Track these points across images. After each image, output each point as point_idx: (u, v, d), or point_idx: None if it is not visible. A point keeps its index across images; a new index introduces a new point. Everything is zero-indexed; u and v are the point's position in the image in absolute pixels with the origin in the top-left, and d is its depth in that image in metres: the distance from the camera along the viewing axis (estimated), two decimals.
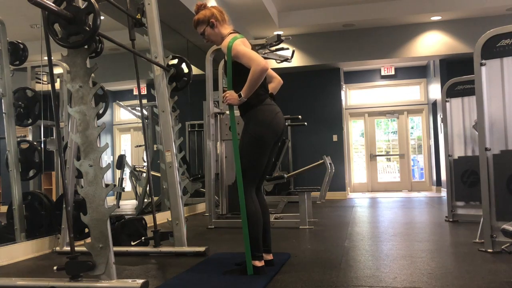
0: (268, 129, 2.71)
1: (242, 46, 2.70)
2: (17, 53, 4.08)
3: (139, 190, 6.47)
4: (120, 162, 6.43)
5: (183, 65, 3.75)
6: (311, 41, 9.23)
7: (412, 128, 11.09)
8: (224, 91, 5.59)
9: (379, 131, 11.25)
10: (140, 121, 5.51)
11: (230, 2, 7.51)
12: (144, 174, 6.45)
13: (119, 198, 6.48)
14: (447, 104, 4.99)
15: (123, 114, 7.19)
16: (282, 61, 5.75)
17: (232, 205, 5.44)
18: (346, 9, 8.61)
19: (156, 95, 3.55)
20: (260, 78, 2.61)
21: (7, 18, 3.99)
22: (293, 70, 9.38)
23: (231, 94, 2.71)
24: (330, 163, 8.45)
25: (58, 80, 4.57)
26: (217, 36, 2.87)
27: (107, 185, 2.45)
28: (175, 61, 3.74)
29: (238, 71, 2.71)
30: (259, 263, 2.64)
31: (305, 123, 8.00)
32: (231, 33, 2.84)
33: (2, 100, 3.89)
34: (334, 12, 8.64)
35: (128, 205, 6.87)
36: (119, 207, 6.26)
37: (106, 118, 5.77)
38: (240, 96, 2.66)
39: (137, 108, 6.17)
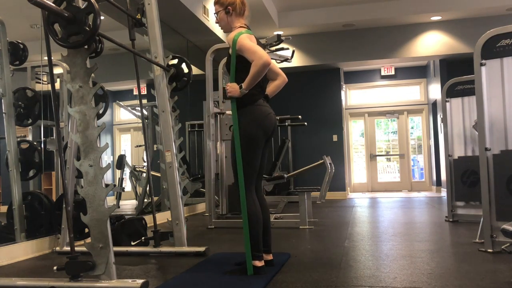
0: (258, 129, 2.73)
1: (247, 40, 2.70)
2: (17, 53, 4.08)
3: (139, 190, 6.47)
4: (120, 162, 6.43)
5: (183, 65, 3.75)
6: (311, 41, 9.23)
7: (412, 128, 11.09)
8: (224, 90, 5.60)
9: (379, 131, 11.25)
10: (140, 121, 5.51)
11: None
12: (144, 174, 6.45)
13: (119, 198, 6.47)
14: (447, 104, 4.99)
15: (123, 114, 7.19)
16: (282, 61, 5.74)
17: (232, 205, 5.44)
18: (346, 9, 8.61)
19: (156, 95, 3.55)
20: (262, 71, 2.63)
21: (7, 18, 3.99)
22: (293, 70, 9.37)
23: (232, 86, 2.73)
24: (330, 163, 8.45)
25: (58, 80, 4.57)
26: (228, 24, 2.88)
27: (107, 185, 2.45)
28: (175, 61, 3.74)
29: (241, 66, 2.72)
30: (259, 263, 2.64)
31: (305, 123, 8.01)
32: (241, 27, 2.84)
33: (2, 100, 3.89)
34: (334, 12, 8.64)
35: (128, 205, 6.86)
36: (119, 207, 6.26)
37: (106, 118, 5.77)
38: (241, 87, 2.67)
39: (137, 108, 6.17)
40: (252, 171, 2.74)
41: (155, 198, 5.76)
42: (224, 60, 5.80)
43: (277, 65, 3.10)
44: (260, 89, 2.81)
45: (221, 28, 2.96)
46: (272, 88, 2.96)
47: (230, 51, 2.77)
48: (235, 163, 2.73)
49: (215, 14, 2.93)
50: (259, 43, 2.86)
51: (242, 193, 2.67)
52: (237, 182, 2.72)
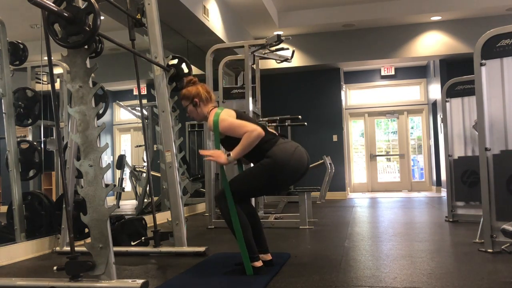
0: (288, 167, 2.62)
1: (229, 119, 2.67)
2: (17, 53, 4.08)
3: (139, 190, 6.47)
4: (120, 162, 6.43)
5: (183, 65, 3.74)
6: (311, 41, 9.23)
7: (412, 128, 11.09)
8: (224, 90, 5.62)
9: (379, 131, 11.25)
10: (140, 121, 5.51)
11: (230, 2, 7.51)
12: (144, 174, 6.45)
13: (119, 198, 6.47)
14: (447, 104, 4.99)
15: (123, 114, 7.19)
16: (282, 61, 5.74)
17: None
18: (346, 9, 8.61)
19: (156, 95, 3.55)
20: (254, 142, 2.59)
21: (7, 18, 3.99)
22: (293, 70, 9.39)
23: (218, 153, 2.65)
24: (330, 163, 8.45)
25: (58, 80, 4.57)
26: (199, 115, 2.85)
27: (107, 185, 2.45)
28: (175, 61, 3.74)
29: (228, 141, 2.69)
30: (257, 264, 2.64)
31: (305, 123, 8.00)
32: (213, 108, 2.83)
33: (2, 100, 3.89)
34: (334, 12, 8.64)
35: (128, 205, 6.86)
36: (119, 207, 6.26)
37: (106, 118, 5.77)
38: (229, 155, 2.61)
39: (137, 108, 6.17)
40: (250, 195, 2.72)
41: (155, 198, 5.76)
42: (223, 61, 5.82)
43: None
44: (272, 134, 2.75)
45: (195, 119, 2.93)
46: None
47: (213, 134, 2.73)
48: (240, 176, 2.69)
49: (186, 109, 2.89)
50: (238, 115, 2.76)
51: (231, 205, 2.62)
52: (223, 194, 2.67)
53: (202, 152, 2.73)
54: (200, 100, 2.84)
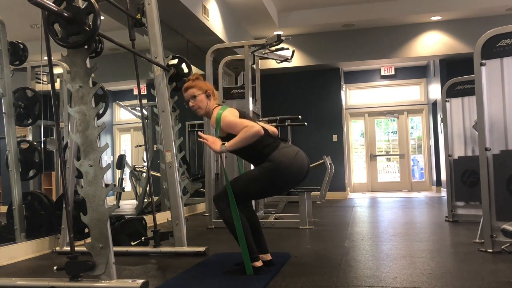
0: (288, 172, 2.63)
1: (231, 116, 2.69)
2: (17, 53, 4.08)
3: (139, 190, 6.47)
4: (120, 162, 6.43)
5: (183, 65, 3.75)
6: (311, 41, 9.23)
7: (412, 128, 11.09)
8: (224, 90, 5.62)
9: (379, 131, 11.25)
10: (140, 121, 5.51)
11: (230, 2, 7.51)
12: (144, 174, 6.44)
13: (119, 198, 6.47)
14: (447, 104, 4.99)
15: (123, 114, 7.18)
16: (282, 61, 5.74)
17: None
18: (346, 9, 8.61)
19: (156, 95, 3.55)
20: (252, 139, 2.59)
21: (7, 18, 3.98)
22: (293, 70, 9.39)
23: (213, 139, 2.65)
24: (330, 163, 8.45)
25: (58, 80, 4.57)
26: (206, 108, 2.84)
27: (107, 185, 2.45)
28: (175, 61, 3.74)
29: (229, 139, 2.67)
30: (258, 264, 2.64)
31: (305, 123, 8.01)
32: (217, 105, 2.85)
33: (2, 100, 3.89)
34: (334, 12, 8.64)
35: (128, 205, 6.86)
36: (119, 207, 6.25)
37: (106, 118, 5.77)
38: (223, 145, 2.61)
39: (137, 108, 6.17)
40: (250, 198, 2.72)
41: (155, 198, 5.76)
42: (223, 61, 5.82)
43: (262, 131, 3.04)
44: (272, 137, 2.76)
45: (198, 111, 2.87)
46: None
47: (215, 130, 2.74)
48: (239, 178, 2.69)
49: (189, 99, 2.85)
50: (242, 115, 2.77)
51: (233, 204, 2.61)
52: (223, 196, 2.66)
53: (200, 134, 2.72)
54: (212, 94, 2.87)
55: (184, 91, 2.91)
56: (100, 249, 2.38)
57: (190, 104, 2.88)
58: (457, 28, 8.64)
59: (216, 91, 2.96)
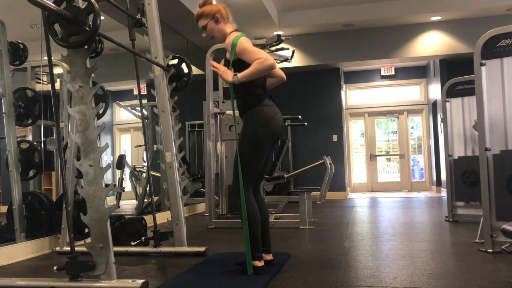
0: (266, 130, 2.70)
1: (248, 43, 2.68)
2: (17, 53, 4.08)
3: (139, 190, 6.47)
4: (120, 162, 6.43)
5: (183, 65, 3.75)
6: (311, 41, 9.23)
7: (412, 128, 11.09)
8: (224, 90, 5.61)
9: (379, 131, 11.25)
10: (140, 121, 5.51)
11: (230, 2, 7.51)
12: (144, 174, 6.45)
13: (119, 198, 6.47)
14: (447, 104, 4.99)
15: (123, 114, 7.19)
16: (282, 61, 5.74)
17: (232, 205, 5.44)
18: (346, 9, 8.61)
19: (156, 95, 3.55)
20: (264, 71, 2.60)
21: (7, 18, 3.99)
22: (293, 70, 9.37)
23: (226, 69, 2.66)
24: (330, 163, 8.45)
25: (58, 80, 4.57)
26: (220, 32, 2.81)
27: (107, 185, 2.45)
28: (175, 61, 3.74)
29: (239, 65, 2.66)
30: (259, 263, 2.64)
31: (305, 123, 8.01)
32: (235, 30, 2.82)
33: (2, 100, 3.89)
34: (334, 12, 8.64)
35: (128, 205, 6.86)
36: (119, 207, 6.26)
37: (106, 118, 5.77)
38: (235, 75, 2.61)
39: (137, 108, 6.17)
40: (254, 173, 2.72)
41: (155, 198, 5.76)
42: (222, 62, 5.82)
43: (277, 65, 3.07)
44: (263, 89, 2.78)
45: (213, 39, 2.85)
46: (268, 84, 2.90)
47: (228, 55, 2.73)
48: (237, 164, 2.71)
49: (203, 29, 2.83)
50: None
51: (242, 194, 2.65)
52: (236, 182, 2.70)
53: (212, 63, 2.71)
54: (221, 16, 2.80)
55: (196, 22, 2.86)
56: (100, 249, 2.38)
57: (204, 36, 2.86)
58: (457, 28, 8.64)
59: (227, 10, 2.85)
